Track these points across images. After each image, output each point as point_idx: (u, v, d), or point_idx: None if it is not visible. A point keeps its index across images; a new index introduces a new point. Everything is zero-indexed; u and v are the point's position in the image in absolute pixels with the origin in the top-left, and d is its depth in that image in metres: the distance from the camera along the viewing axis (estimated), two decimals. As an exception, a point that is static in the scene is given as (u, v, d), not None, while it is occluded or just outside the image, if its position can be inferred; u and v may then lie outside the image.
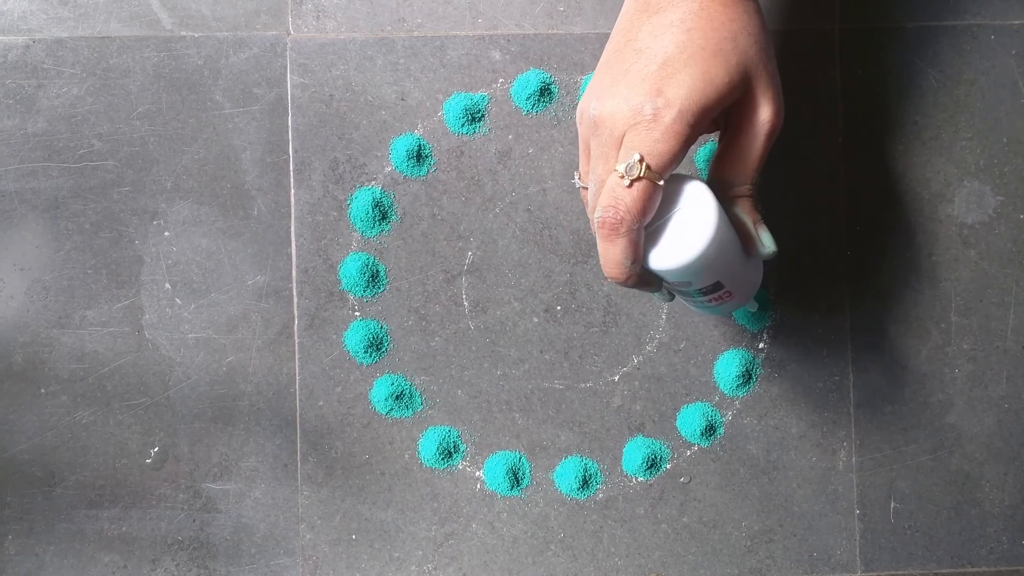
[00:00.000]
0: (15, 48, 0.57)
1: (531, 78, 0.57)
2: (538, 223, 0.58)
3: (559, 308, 0.58)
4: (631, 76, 0.44)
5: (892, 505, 0.58)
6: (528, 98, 0.57)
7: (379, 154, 0.58)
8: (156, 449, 0.57)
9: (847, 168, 0.58)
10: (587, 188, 0.47)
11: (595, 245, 0.58)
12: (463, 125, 0.57)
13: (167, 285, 0.57)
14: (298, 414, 0.57)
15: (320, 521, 0.57)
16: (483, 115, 0.58)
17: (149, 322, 0.57)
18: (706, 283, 0.47)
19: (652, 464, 0.58)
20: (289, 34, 0.57)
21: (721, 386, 0.58)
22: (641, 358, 0.58)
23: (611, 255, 0.45)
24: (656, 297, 0.50)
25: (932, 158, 0.58)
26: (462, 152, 0.58)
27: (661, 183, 0.44)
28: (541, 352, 0.58)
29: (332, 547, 0.57)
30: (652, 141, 0.43)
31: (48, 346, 0.57)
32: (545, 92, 0.57)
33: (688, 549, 0.58)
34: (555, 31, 0.58)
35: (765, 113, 0.46)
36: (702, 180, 0.46)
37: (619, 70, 0.45)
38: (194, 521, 0.57)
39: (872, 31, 0.58)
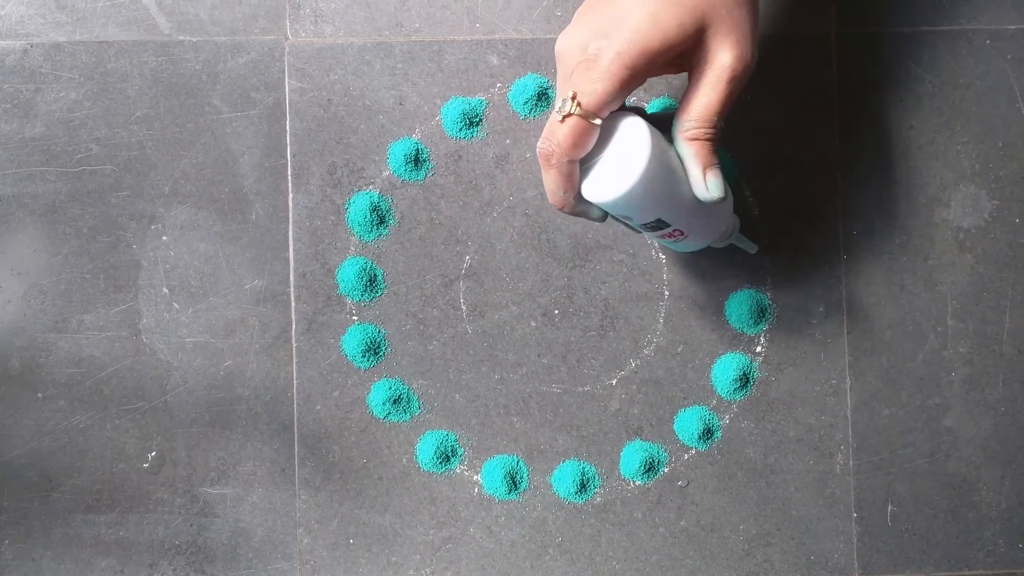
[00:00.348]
0: (13, 52, 0.57)
1: (528, 83, 0.57)
2: (535, 227, 0.58)
3: (557, 312, 0.58)
4: (589, 15, 0.46)
5: (889, 508, 0.58)
6: (525, 102, 0.57)
7: (377, 158, 0.58)
8: (153, 454, 0.57)
9: (843, 172, 0.58)
10: None
11: (592, 249, 0.58)
12: (461, 129, 0.58)
13: (165, 289, 0.57)
14: (296, 418, 0.57)
15: (318, 525, 0.57)
16: (481, 119, 0.58)
17: (147, 326, 0.57)
18: (645, 219, 0.48)
19: (650, 468, 0.58)
20: (287, 39, 0.57)
21: (718, 390, 0.58)
22: (639, 362, 0.58)
23: (547, 183, 0.48)
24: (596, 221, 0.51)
25: (928, 162, 0.58)
26: (460, 156, 0.58)
27: (597, 122, 0.46)
28: (539, 356, 0.58)
29: (330, 551, 0.57)
30: (589, 80, 0.45)
31: (45, 350, 0.57)
32: (542, 96, 0.57)
33: (686, 553, 0.58)
34: (552, 36, 0.58)
35: (725, 57, 0.46)
36: (645, 118, 0.47)
37: (586, 8, 0.47)
38: (191, 526, 0.57)
39: (868, 36, 0.58)
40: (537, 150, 0.47)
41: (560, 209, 0.49)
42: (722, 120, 0.47)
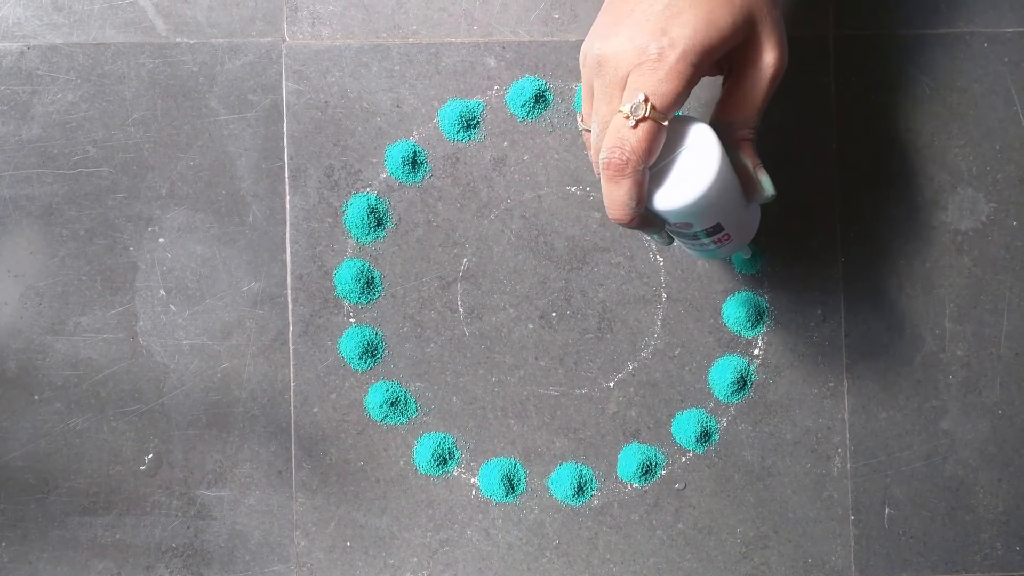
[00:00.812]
0: (9, 54, 0.57)
1: (526, 85, 0.57)
2: (533, 230, 0.58)
3: (554, 314, 0.58)
4: (635, 16, 0.45)
5: (887, 511, 0.58)
6: (523, 105, 0.57)
7: (374, 161, 0.58)
8: (150, 456, 0.57)
9: (841, 175, 0.58)
10: (590, 131, 0.48)
11: (590, 252, 0.58)
12: (458, 132, 0.57)
13: (162, 291, 0.57)
14: (293, 421, 0.57)
15: (315, 528, 0.57)
16: (478, 122, 0.58)
17: (143, 328, 0.57)
18: (707, 224, 0.48)
19: (647, 470, 0.58)
20: (284, 41, 0.57)
21: (716, 392, 0.58)
22: (636, 364, 0.58)
23: (616, 196, 0.45)
24: (655, 239, 0.50)
25: (925, 165, 0.58)
26: (457, 159, 0.58)
27: (665, 123, 0.44)
28: (536, 358, 0.58)
29: (327, 554, 0.57)
30: (656, 81, 0.43)
31: (42, 353, 0.57)
32: (540, 99, 0.57)
33: (683, 555, 0.58)
34: (550, 38, 0.58)
35: (769, 57, 0.46)
36: (704, 122, 0.46)
37: (623, 11, 0.45)
38: (188, 528, 0.57)
39: (866, 38, 0.58)
40: (603, 162, 0.44)
41: (627, 224, 0.46)
42: (760, 120, 0.47)
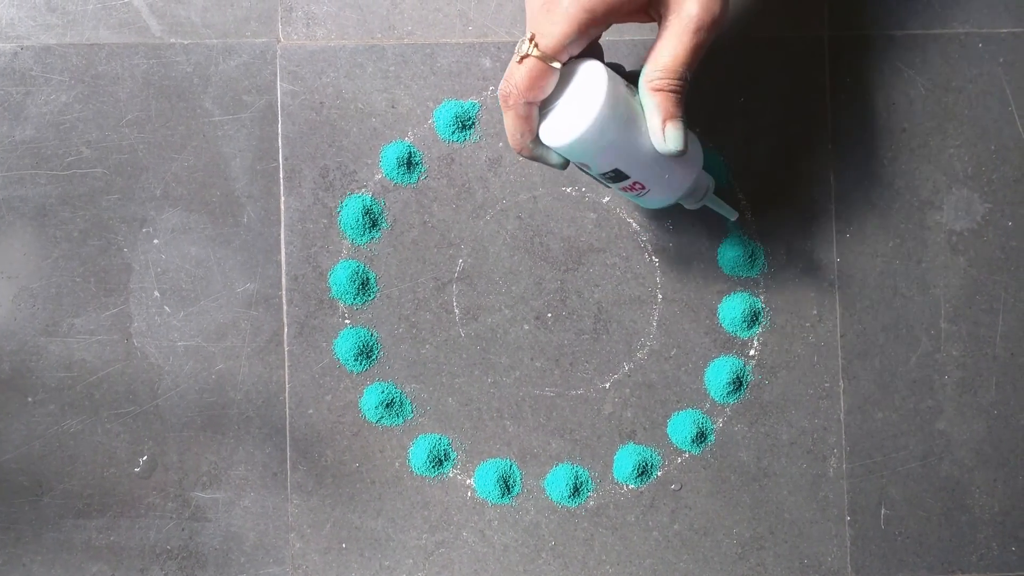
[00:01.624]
0: (3, 55, 0.56)
1: (521, 85, 0.57)
2: (528, 230, 0.58)
3: (550, 315, 0.58)
4: None
5: (882, 512, 0.58)
6: (518, 105, 0.57)
7: (369, 161, 0.57)
8: (145, 458, 0.57)
9: (836, 175, 0.58)
10: None
11: (585, 252, 0.58)
12: (454, 132, 0.57)
13: (156, 293, 0.57)
14: (288, 422, 0.57)
15: (310, 530, 0.57)
16: (473, 122, 0.58)
17: (138, 330, 0.57)
18: (603, 169, 0.49)
19: (643, 471, 0.57)
20: (279, 41, 0.57)
21: (712, 393, 0.58)
22: (632, 365, 0.58)
23: (506, 126, 0.49)
24: (595, 178, 0.51)
25: (921, 165, 0.58)
26: (452, 159, 0.58)
27: (556, 65, 0.46)
28: (532, 359, 0.58)
29: (322, 556, 0.57)
30: (548, 23, 0.46)
31: (36, 354, 0.56)
32: (535, 99, 0.57)
33: (679, 556, 0.58)
34: (545, 39, 0.58)
35: (691, 7, 0.46)
36: (605, 64, 0.47)
37: None
38: (183, 530, 0.57)
39: (861, 39, 0.58)
40: (498, 91, 0.48)
41: (519, 153, 0.50)
42: (689, 72, 0.47)
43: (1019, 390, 0.58)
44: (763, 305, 0.58)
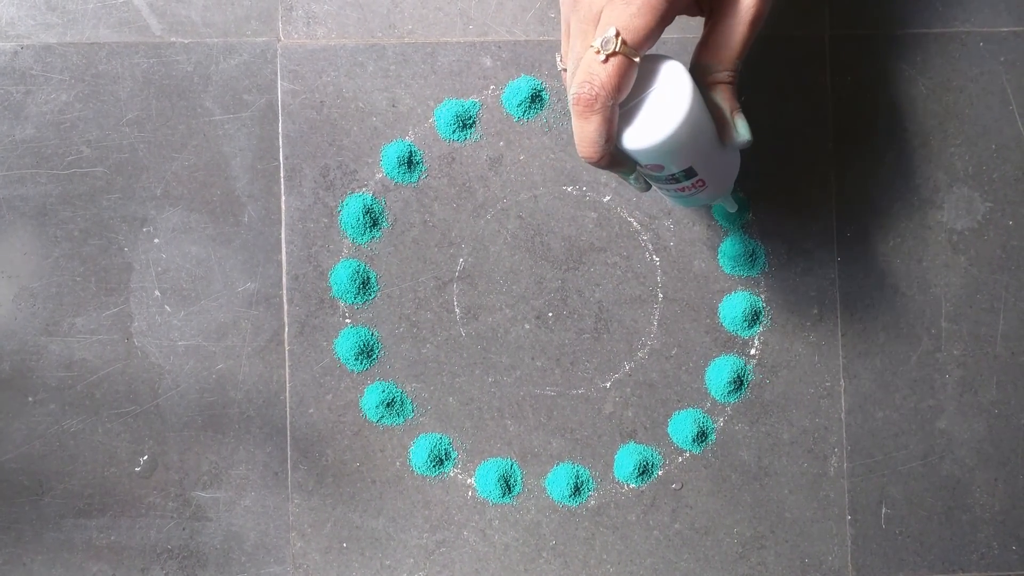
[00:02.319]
0: (3, 54, 0.56)
1: (522, 85, 0.57)
2: (529, 230, 0.58)
3: (551, 315, 0.58)
4: None
5: (883, 511, 0.58)
6: (519, 105, 0.57)
7: (370, 161, 0.57)
8: (145, 457, 0.57)
9: (837, 174, 0.58)
10: (567, 71, 0.47)
11: (586, 252, 0.58)
12: (454, 132, 0.57)
13: (156, 292, 0.57)
14: (288, 422, 0.57)
15: (311, 529, 0.57)
16: (474, 122, 0.58)
17: (138, 329, 0.57)
18: (679, 167, 0.47)
19: (644, 471, 0.57)
20: (279, 40, 0.57)
21: (712, 392, 0.58)
22: (633, 364, 0.58)
23: (585, 132, 0.44)
24: (631, 183, 0.50)
25: (921, 164, 0.58)
26: (453, 159, 0.58)
27: (637, 60, 0.44)
28: (532, 359, 0.58)
29: (323, 555, 0.57)
30: (628, 16, 0.43)
31: (36, 354, 0.56)
32: (536, 99, 0.57)
33: (680, 556, 0.58)
34: (546, 38, 0.58)
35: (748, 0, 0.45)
36: (679, 61, 0.46)
37: None
38: (184, 530, 0.57)
39: (862, 38, 0.58)
40: (573, 97, 0.44)
41: (596, 162, 0.45)
42: (742, 62, 0.46)
43: (1020, 389, 0.58)
44: (764, 304, 0.58)
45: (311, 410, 0.57)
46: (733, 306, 0.58)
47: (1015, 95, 0.58)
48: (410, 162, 0.57)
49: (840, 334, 0.58)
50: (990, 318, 0.58)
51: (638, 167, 0.48)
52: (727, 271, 0.58)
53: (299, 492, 0.57)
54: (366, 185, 0.57)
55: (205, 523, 0.57)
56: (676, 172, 0.47)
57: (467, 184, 0.58)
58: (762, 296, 0.58)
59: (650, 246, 0.58)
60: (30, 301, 0.56)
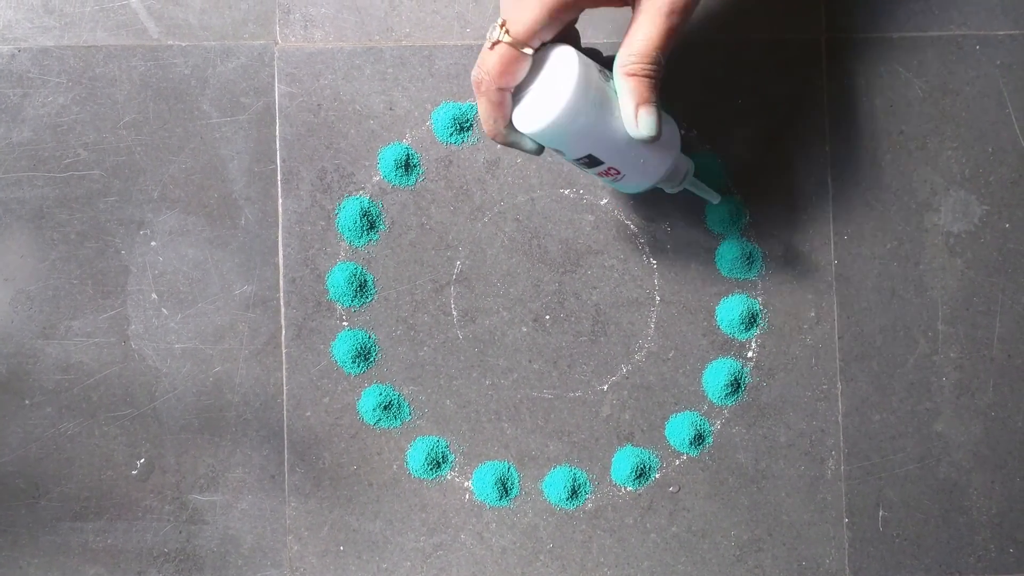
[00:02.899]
0: (0, 57, 0.56)
1: (519, 88, 0.57)
2: (527, 232, 0.58)
3: (548, 317, 0.58)
4: None
5: (880, 514, 0.58)
6: (516, 107, 0.57)
7: (367, 163, 0.57)
8: (142, 460, 0.57)
9: (834, 177, 0.58)
10: None
11: (583, 254, 0.58)
12: (451, 134, 0.57)
13: (153, 295, 0.57)
14: (285, 425, 0.57)
15: (308, 532, 0.57)
16: (471, 124, 0.58)
17: (135, 332, 0.57)
18: (576, 154, 0.49)
19: (641, 473, 0.57)
20: (277, 43, 0.57)
21: (710, 395, 0.58)
22: (630, 367, 0.58)
23: (479, 112, 0.49)
24: (581, 169, 0.51)
25: (918, 167, 0.58)
26: (450, 161, 0.58)
27: (527, 51, 0.46)
28: (530, 362, 0.58)
29: (320, 559, 0.57)
30: (518, 8, 0.46)
31: (32, 357, 0.56)
32: (533, 102, 0.57)
33: (677, 559, 0.58)
34: (543, 41, 0.58)
35: None
36: (577, 50, 0.47)
37: None
38: (180, 533, 0.57)
39: (858, 41, 0.58)
40: (471, 77, 0.48)
41: (493, 139, 0.50)
42: (664, 56, 0.47)
43: (1016, 392, 0.59)
44: (761, 307, 0.58)
45: (308, 413, 0.57)
46: (730, 309, 0.58)
47: (1011, 98, 0.58)
48: (407, 165, 0.57)
49: (837, 337, 0.58)
50: (987, 321, 0.59)
51: (548, 148, 0.50)
52: (724, 274, 0.58)
53: (296, 495, 0.57)
54: (363, 188, 0.57)
55: (202, 526, 0.57)
56: (578, 158, 0.49)
57: (464, 187, 0.58)
58: (759, 299, 0.58)
59: (647, 249, 0.58)
60: (26, 304, 0.56)
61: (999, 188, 0.59)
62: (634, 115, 0.47)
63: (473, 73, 0.47)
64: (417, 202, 0.58)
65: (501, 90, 0.47)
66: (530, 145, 0.50)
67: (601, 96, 0.47)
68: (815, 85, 0.58)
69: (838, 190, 0.58)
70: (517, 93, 0.48)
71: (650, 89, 0.47)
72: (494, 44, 0.46)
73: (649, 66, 0.47)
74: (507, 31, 0.46)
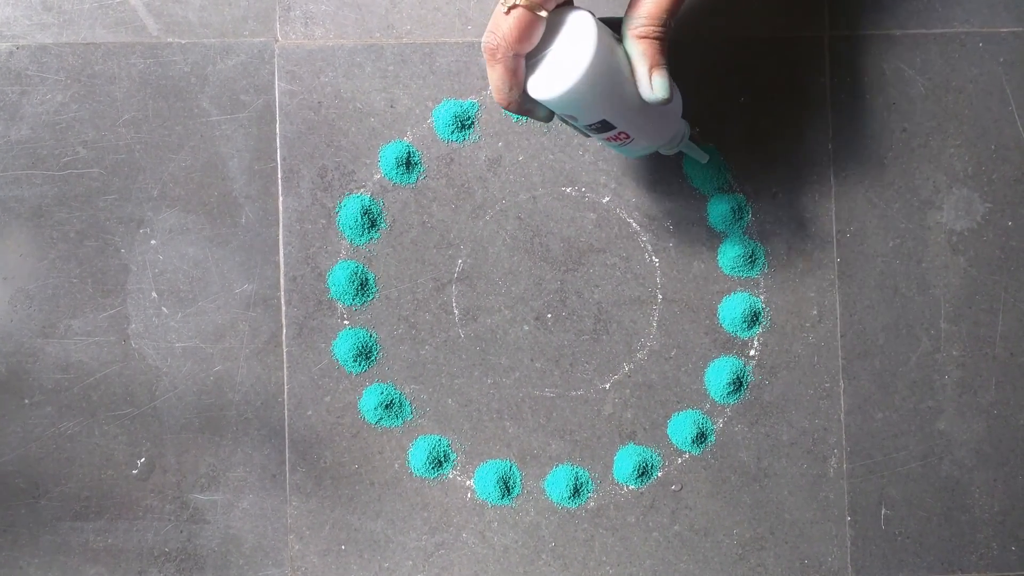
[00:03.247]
0: (-2, 54, 0.56)
1: (521, 85, 0.57)
2: (528, 231, 0.58)
3: (550, 316, 0.58)
4: None
5: (883, 512, 0.58)
6: (518, 105, 0.57)
7: (368, 161, 0.57)
8: (142, 460, 0.56)
9: (837, 175, 0.58)
10: None
11: (585, 253, 0.58)
12: (453, 132, 0.57)
13: (153, 294, 0.56)
14: (287, 424, 0.57)
15: (309, 532, 0.57)
16: (473, 122, 0.57)
17: (135, 331, 0.56)
18: (591, 120, 0.48)
19: (643, 472, 0.57)
20: (277, 41, 0.57)
21: (712, 393, 0.58)
22: (632, 366, 0.58)
23: (492, 79, 0.47)
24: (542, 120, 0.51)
25: (921, 165, 0.58)
26: (452, 159, 0.57)
27: (542, 14, 0.45)
28: (532, 360, 0.58)
29: (321, 558, 0.57)
30: None
31: (32, 356, 0.56)
32: (535, 99, 0.57)
33: (679, 557, 0.58)
34: (545, 38, 0.57)
35: None
36: (593, 14, 0.47)
37: None
38: (181, 532, 0.56)
39: (861, 39, 0.58)
40: (482, 44, 0.46)
41: (506, 107, 0.48)
42: (672, 19, 0.47)
43: (1019, 390, 0.58)
44: (763, 305, 0.58)
45: (309, 412, 0.57)
46: (732, 307, 0.58)
47: (1014, 95, 0.58)
48: (408, 163, 0.57)
49: (839, 335, 0.58)
50: (989, 319, 0.58)
51: (557, 115, 0.49)
52: (726, 272, 0.58)
53: (297, 494, 0.57)
54: (364, 186, 0.57)
55: (203, 526, 0.56)
56: (591, 124, 0.48)
57: (466, 185, 0.57)
58: (761, 297, 0.58)
59: (649, 247, 0.58)
60: (26, 303, 0.56)
61: (1002, 186, 0.58)
62: (648, 78, 0.47)
63: (485, 39, 0.46)
64: (418, 200, 0.57)
65: (517, 56, 0.46)
66: (542, 113, 0.49)
67: (615, 60, 0.47)
68: (818, 83, 0.58)
69: (840, 188, 0.58)
70: (529, 59, 0.47)
71: (661, 52, 0.47)
72: (511, 8, 0.45)
73: (659, 28, 0.46)
74: None
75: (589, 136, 0.51)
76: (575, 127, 0.50)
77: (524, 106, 0.48)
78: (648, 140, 0.50)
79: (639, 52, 0.47)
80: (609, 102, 0.47)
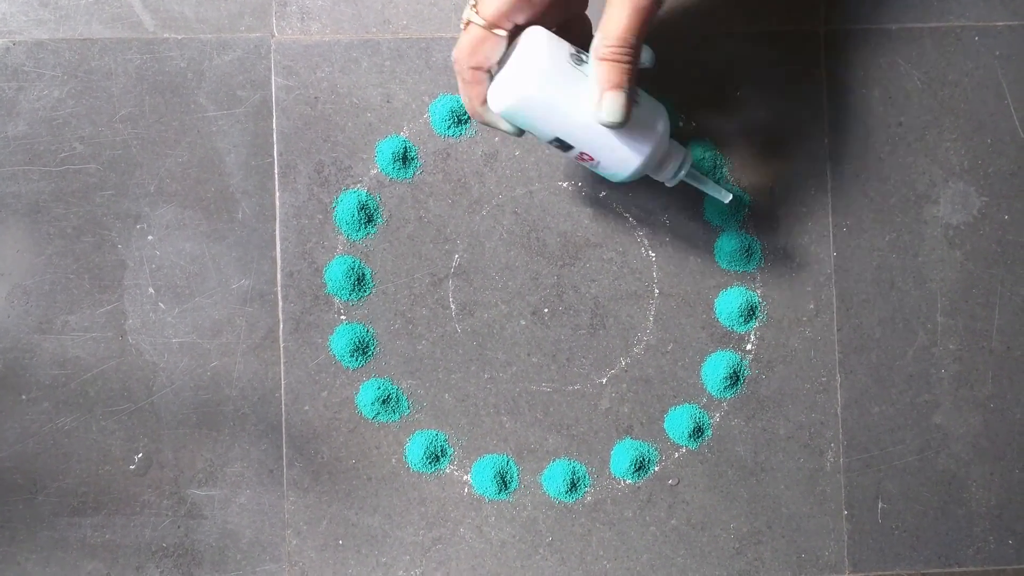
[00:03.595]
0: (-5, 50, 0.56)
1: (517, 80, 0.57)
2: (525, 225, 0.58)
3: (546, 311, 0.58)
4: None
5: (879, 506, 0.58)
6: (514, 100, 0.57)
7: (364, 156, 0.57)
8: (140, 455, 0.56)
9: (833, 169, 0.58)
10: None
11: (582, 247, 0.58)
12: (449, 127, 0.57)
13: (150, 289, 0.56)
14: (284, 419, 0.57)
15: (306, 527, 0.57)
16: (469, 117, 0.57)
17: (132, 327, 0.56)
18: (545, 137, 0.49)
19: (640, 466, 0.57)
20: (273, 36, 0.57)
21: (709, 388, 0.58)
22: (629, 360, 0.58)
23: (460, 92, 0.50)
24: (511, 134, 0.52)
25: (917, 159, 0.58)
26: (448, 154, 0.57)
27: (500, 33, 0.47)
28: (528, 355, 0.58)
29: (319, 553, 0.57)
30: None
31: (29, 352, 0.56)
32: (531, 94, 0.57)
33: (676, 551, 0.58)
34: (541, 33, 0.57)
35: None
36: (549, 32, 0.48)
37: None
38: (179, 527, 0.57)
39: (857, 33, 0.58)
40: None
41: (472, 118, 0.51)
42: (638, 41, 0.47)
43: (1015, 383, 0.59)
44: (760, 299, 0.58)
45: (306, 407, 0.57)
46: (729, 301, 0.58)
47: (1010, 89, 0.58)
48: (405, 158, 0.57)
49: (836, 329, 0.58)
50: (985, 312, 0.58)
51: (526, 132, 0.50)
52: (723, 266, 0.58)
53: (294, 489, 0.57)
54: (361, 181, 0.57)
55: (200, 521, 0.57)
56: (548, 141, 0.49)
57: (462, 180, 0.57)
58: (758, 291, 0.58)
59: (646, 241, 0.58)
60: (23, 299, 0.56)
61: (998, 180, 0.59)
62: (599, 99, 0.47)
63: (452, 52, 0.49)
64: (415, 195, 0.57)
65: (473, 69, 0.48)
66: (506, 125, 0.50)
67: (570, 79, 0.47)
68: (814, 77, 0.58)
69: (837, 182, 0.58)
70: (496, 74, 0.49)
71: (621, 74, 0.47)
72: (466, 25, 0.47)
73: (622, 50, 0.46)
74: (477, 12, 0.47)
75: (564, 154, 0.51)
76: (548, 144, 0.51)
77: (486, 118, 0.50)
78: (616, 165, 0.50)
79: (597, 73, 0.47)
80: (562, 120, 0.48)
